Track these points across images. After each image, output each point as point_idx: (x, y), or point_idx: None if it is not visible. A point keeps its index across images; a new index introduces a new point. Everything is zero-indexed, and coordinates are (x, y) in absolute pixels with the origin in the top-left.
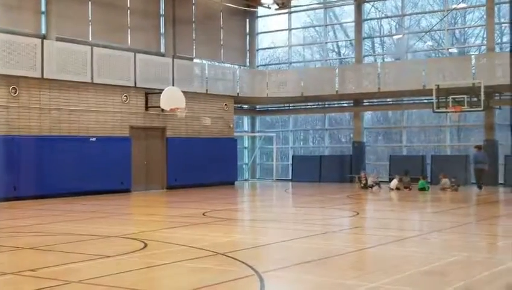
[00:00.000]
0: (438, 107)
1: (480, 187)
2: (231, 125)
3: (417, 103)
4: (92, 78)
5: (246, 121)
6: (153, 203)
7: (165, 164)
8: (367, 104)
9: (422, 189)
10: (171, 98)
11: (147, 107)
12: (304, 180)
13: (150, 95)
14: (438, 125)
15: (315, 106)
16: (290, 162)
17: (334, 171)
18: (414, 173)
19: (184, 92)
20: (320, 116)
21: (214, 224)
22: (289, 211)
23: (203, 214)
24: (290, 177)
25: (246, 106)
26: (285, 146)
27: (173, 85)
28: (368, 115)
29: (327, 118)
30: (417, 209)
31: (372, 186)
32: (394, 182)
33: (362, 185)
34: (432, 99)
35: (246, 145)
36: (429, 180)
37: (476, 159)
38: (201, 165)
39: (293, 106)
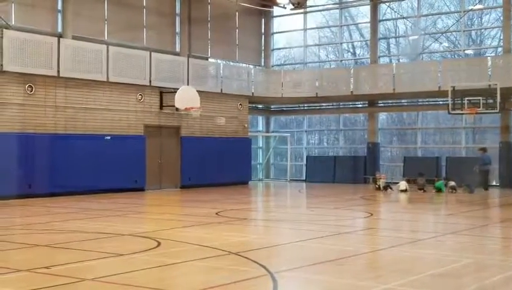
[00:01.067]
0: (454, 109)
1: (486, 189)
2: (245, 125)
3: (432, 105)
4: (107, 76)
5: (260, 121)
6: (166, 202)
7: (179, 163)
8: (382, 105)
9: (439, 190)
10: (186, 97)
11: (161, 106)
12: (318, 180)
13: (165, 94)
14: (453, 127)
15: (330, 107)
16: (304, 162)
17: (348, 172)
18: (428, 174)
19: (199, 92)
20: (335, 117)
21: (227, 224)
22: (303, 212)
23: (216, 214)
24: (304, 178)
25: (261, 106)
26: (299, 146)
27: (188, 84)
28: (382, 116)
29: (342, 118)
30: (432, 211)
31: (386, 188)
32: (403, 184)
33: (377, 186)
34: (448, 100)
35: (261, 145)
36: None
37: (484, 161)
38: (215, 165)
39: (307, 106)
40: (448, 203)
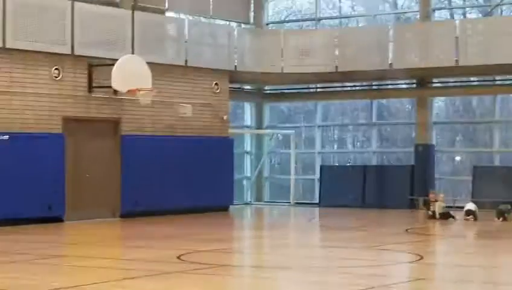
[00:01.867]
0: None
1: None
2: (225, 117)
3: None
4: (3, 40)
5: (248, 110)
6: (99, 239)
7: (119, 177)
8: (438, 85)
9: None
10: (130, 74)
11: (90, 88)
12: (338, 204)
13: (96, 68)
14: None
15: (356, 88)
16: (317, 176)
17: (387, 190)
18: (510, 193)
19: (150, 65)
20: (365, 104)
21: (194, 273)
22: (315, 254)
23: (179, 258)
24: (318, 200)
25: (249, 87)
26: (309, 151)
27: (133, 53)
28: (439, 102)
29: (375, 107)
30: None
31: (446, 216)
32: (472, 205)
33: (431, 212)
34: None
35: (248, 149)
36: None
37: None
38: (178, 180)
39: (322, 88)
40: None
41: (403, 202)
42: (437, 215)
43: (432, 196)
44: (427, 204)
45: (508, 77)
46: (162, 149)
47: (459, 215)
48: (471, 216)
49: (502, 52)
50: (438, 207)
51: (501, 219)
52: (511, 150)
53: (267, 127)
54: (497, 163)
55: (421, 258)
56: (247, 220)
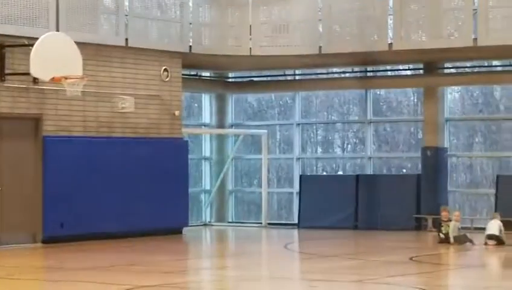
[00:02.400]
0: None
1: None
2: (177, 113)
3: None
4: None
5: (207, 103)
6: (9, 272)
7: (41, 191)
8: (452, 71)
9: None
10: (54, 57)
11: (2, 75)
12: (323, 225)
13: (10, 50)
14: None
15: (347, 75)
16: (297, 188)
17: (386, 207)
18: None
19: (79, 45)
20: (358, 95)
21: None
22: (295, 289)
23: None
24: (297, 220)
25: (208, 74)
26: (286, 156)
27: (57, 30)
28: (453, 93)
29: (371, 98)
30: None
31: (462, 240)
32: (495, 225)
33: (443, 235)
34: None
35: (208, 154)
36: None
37: None
38: (115, 195)
39: (302, 75)
40: None
41: (406, 222)
42: (451, 240)
43: (444, 214)
44: (438, 225)
45: None
46: (95, 154)
47: (478, 239)
48: (493, 240)
49: None
50: (452, 228)
51: None
52: None
53: (231, 126)
54: None
55: None
56: (206, 246)
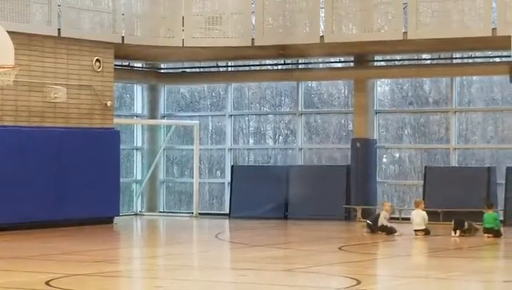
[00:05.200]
0: None
1: None
2: (109, 104)
3: (479, 64)
4: None
5: (139, 95)
6: None
7: None
8: (382, 64)
9: (491, 230)
10: None
11: None
12: (255, 215)
13: None
14: None
15: (279, 67)
16: (228, 178)
17: (316, 197)
18: (472, 199)
19: (11, 35)
20: (290, 87)
21: None
22: (222, 279)
23: (47, 284)
24: (228, 210)
25: (140, 65)
26: (218, 146)
27: None
28: (383, 86)
29: (302, 90)
30: (473, 273)
31: (388, 230)
32: (418, 215)
33: (369, 223)
34: (509, 56)
35: (139, 144)
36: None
37: None
38: (46, 184)
39: (235, 66)
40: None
41: (336, 212)
42: (377, 228)
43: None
44: (366, 215)
45: (469, 55)
46: (26, 143)
47: (408, 229)
48: (420, 231)
49: (462, 23)
50: (381, 218)
51: (458, 232)
52: (472, 147)
53: (163, 116)
54: (454, 163)
55: (359, 283)
56: (137, 235)
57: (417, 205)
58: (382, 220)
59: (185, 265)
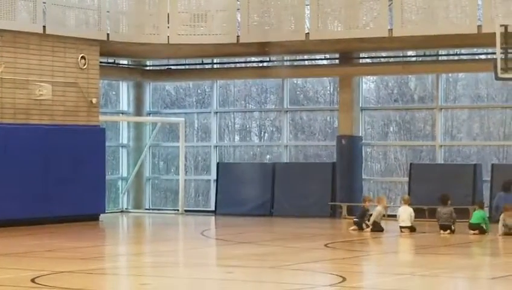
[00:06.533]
0: (506, 70)
1: None
2: (94, 101)
3: (465, 61)
4: None
5: (124, 92)
6: None
7: None
8: (367, 61)
9: (477, 226)
10: None
11: None
12: (240, 212)
13: None
14: (506, 106)
15: (264, 64)
16: (214, 176)
17: (302, 194)
18: (458, 197)
19: None
20: (275, 84)
21: None
22: (208, 275)
23: (33, 281)
24: (214, 207)
25: (126, 62)
26: (203, 144)
27: None
28: (368, 83)
29: (288, 87)
30: (462, 270)
31: (379, 228)
32: (405, 212)
33: (355, 220)
34: (494, 53)
35: (125, 142)
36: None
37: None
38: (31, 181)
39: (220, 64)
40: (499, 252)
41: (322, 209)
42: (360, 225)
43: (368, 204)
44: (362, 214)
45: (455, 52)
46: (11, 140)
47: (393, 226)
48: (406, 229)
49: (448, 19)
50: (375, 214)
51: (448, 231)
52: (458, 144)
53: (149, 114)
54: (440, 160)
55: (344, 280)
56: (123, 232)
57: (405, 202)
58: (376, 217)
59: (171, 262)
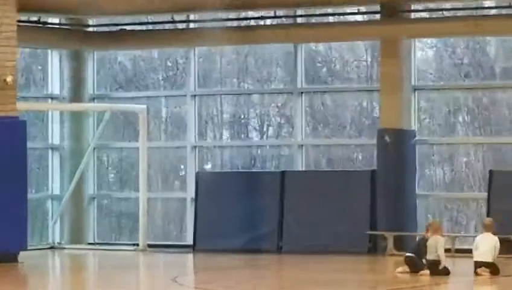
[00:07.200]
0: None
1: None
2: (9, 80)
3: None
4: None
5: (55, 66)
6: None
7: None
8: (422, 14)
9: None
10: None
11: None
12: (231, 247)
13: None
14: None
15: (267, 22)
16: (192, 193)
17: (325, 220)
18: None
19: None
20: (284, 52)
21: None
22: None
23: None
24: (192, 240)
25: (57, 21)
26: (176, 143)
27: None
28: (425, 48)
29: (303, 56)
30: None
31: (445, 269)
32: (486, 244)
33: (408, 257)
34: None
35: (56, 142)
36: None
37: None
38: None
39: (201, 22)
40: None
41: (355, 241)
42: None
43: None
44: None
45: None
46: None
47: (465, 264)
48: (485, 268)
49: None
50: (439, 248)
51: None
52: None
53: (92, 99)
54: None
55: None
56: (53, 280)
57: (487, 228)
58: (440, 252)
59: None
